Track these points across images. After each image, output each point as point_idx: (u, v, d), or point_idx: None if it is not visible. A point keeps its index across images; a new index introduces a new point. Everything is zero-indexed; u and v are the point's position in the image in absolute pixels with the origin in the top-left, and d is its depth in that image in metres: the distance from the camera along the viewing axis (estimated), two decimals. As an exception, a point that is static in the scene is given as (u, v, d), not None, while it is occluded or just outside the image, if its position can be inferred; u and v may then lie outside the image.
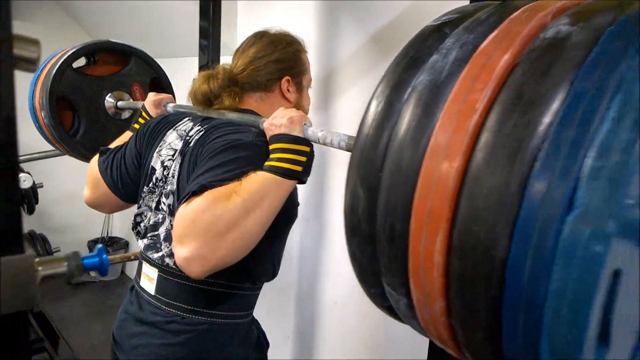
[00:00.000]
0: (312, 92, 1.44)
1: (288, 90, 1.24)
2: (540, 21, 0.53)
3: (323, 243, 1.99)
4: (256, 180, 0.91)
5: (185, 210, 0.86)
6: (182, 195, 0.91)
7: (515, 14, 0.56)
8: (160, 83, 2.03)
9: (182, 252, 0.84)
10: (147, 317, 1.09)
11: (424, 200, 0.53)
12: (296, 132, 0.98)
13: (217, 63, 1.95)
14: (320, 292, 2.03)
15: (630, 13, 0.48)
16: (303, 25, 1.97)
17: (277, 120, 1.00)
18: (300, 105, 1.29)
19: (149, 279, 1.11)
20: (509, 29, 0.54)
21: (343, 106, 1.87)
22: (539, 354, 0.45)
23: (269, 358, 1.20)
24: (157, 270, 1.09)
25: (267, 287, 1.20)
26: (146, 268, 1.13)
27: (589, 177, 0.41)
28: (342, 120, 1.88)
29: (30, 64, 0.46)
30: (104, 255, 0.59)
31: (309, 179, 1.03)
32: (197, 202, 0.85)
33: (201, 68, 1.93)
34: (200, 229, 0.84)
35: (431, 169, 0.52)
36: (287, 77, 1.23)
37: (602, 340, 0.47)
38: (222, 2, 1.94)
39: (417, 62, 0.60)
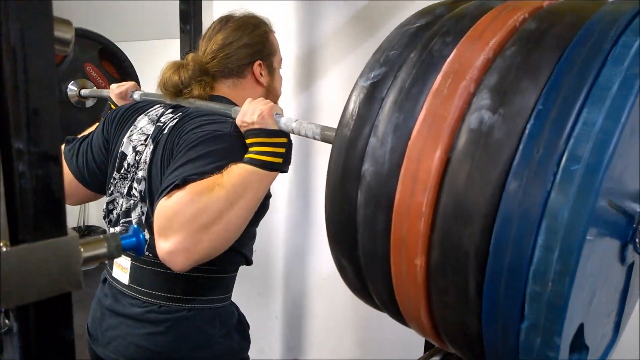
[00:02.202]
0: (293, 72, 1.39)
1: (261, 74, 1.22)
2: (463, 98, 0.52)
3: (308, 221, 1.99)
4: (238, 172, 0.91)
5: (167, 204, 0.85)
6: (162, 187, 0.90)
7: (437, 83, 0.54)
8: (109, 51, 1.94)
9: (166, 245, 0.84)
10: (124, 309, 1.07)
11: (401, 289, 0.59)
12: (269, 126, 0.99)
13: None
14: (308, 269, 2.05)
15: (547, 96, 0.46)
16: (283, 4, 1.82)
17: (248, 117, 0.99)
18: (272, 87, 1.26)
19: (122, 269, 1.09)
20: (435, 111, 0.53)
21: (324, 85, 1.80)
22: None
23: (259, 337, 1.26)
24: (130, 259, 1.07)
25: (254, 268, 1.19)
26: (118, 258, 1.09)
27: (530, 298, 0.46)
28: (324, 100, 1.81)
29: (64, 46, 0.46)
30: (141, 235, 0.58)
31: (293, 161, 1.05)
32: (180, 196, 0.85)
33: (186, 53, 1.85)
34: (184, 222, 0.83)
35: (399, 265, 0.57)
36: (259, 62, 1.20)
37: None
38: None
39: (357, 142, 0.60)
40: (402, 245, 0.56)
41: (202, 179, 0.88)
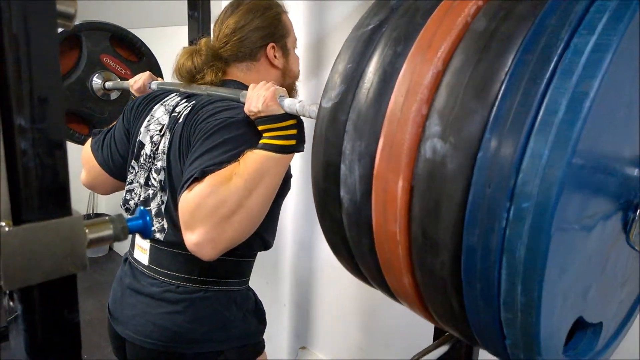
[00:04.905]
0: (302, 60, 1.36)
1: (275, 57, 1.19)
2: (416, 123, 0.49)
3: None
4: (254, 159, 0.93)
5: (189, 197, 0.89)
6: (183, 181, 0.93)
7: (391, 105, 0.51)
8: (120, 36, 1.90)
9: (192, 237, 0.88)
10: (143, 288, 1.09)
11: (402, 298, 0.61)
12: (275, 111, 0.99)
13: (207, 35, 1.83)
14: (315, 257, 2.00)
15: (495, 121, 0.43)
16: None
17: (254, 107, 0.99)
18: (288, 69, 1.23)
19: (142, 250, 1.12)
20: (392, 138, 0.51)
21: (335, 47, 1.73)
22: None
23: (267, 325, 1.21)
24: (149, 241, 1.10)
25: (263, 256, 1.19)
26: (139, 240, 1.14)
27: (505, 323, 0.46)
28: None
29: (67, 20, 0.46)
30: (147, 217, 0.57)
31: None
32: (200, 188, 0.88)
33: (192, 42, 1.83)
34: (207, 214, 0.87)
35: (392, 281, 0.59)
36: (272, 44, 1.18)
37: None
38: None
39: (330, 167, 0.60)
40: (388, 265, 0.57)
41: (220, 168, 0.90)
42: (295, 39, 1.26)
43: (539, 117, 0.40)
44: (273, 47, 1.18)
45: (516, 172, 0.41)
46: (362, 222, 0.57)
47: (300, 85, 1.31)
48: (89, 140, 1.31)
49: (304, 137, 1.04)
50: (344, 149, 0.57)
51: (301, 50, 1.83)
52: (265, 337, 1.20)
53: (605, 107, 0.41)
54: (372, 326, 1.91)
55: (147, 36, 2.06)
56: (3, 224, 0.40)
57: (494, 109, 0.43)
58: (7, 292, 0.47)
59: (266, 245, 1.13)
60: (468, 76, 0.46)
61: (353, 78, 0.58)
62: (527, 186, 0.40)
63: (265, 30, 1.16)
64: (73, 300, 0.46)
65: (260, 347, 1.19)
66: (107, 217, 0.51)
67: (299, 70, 1.31)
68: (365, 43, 0.58)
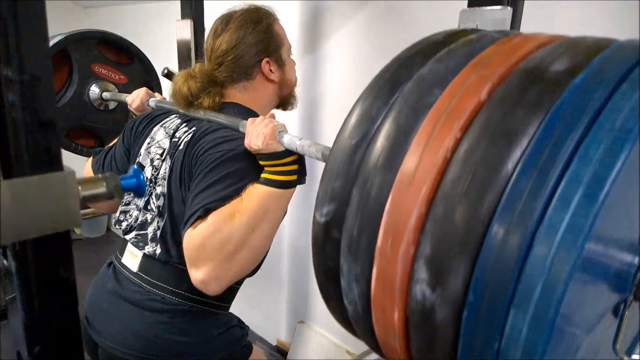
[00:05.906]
0: (297, 37, 1.33)
1: (271, 71, 1.19)
2: (404, 263, 0.51)
3: (315, 192, 1.97)
4: (256, 195, 0.94)
5: (193, 235, 0.91)
6: (186, 218, 0.95)
7: (380, 240, 0.53)
8: (107, 41, 1.88)
9: (198, 275, 0.91)
10: (126, 293, 1.08)
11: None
12: (275, 149, 1.00)
13: (201, 10, 1.79)
14: (313, 284, 2.00)
15: (476, 283, 0.45)
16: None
17: (254, 144, 0.99)
18: (284, 80, 1.22)
19: (133, 256, 1.11)
20: (384, 271, 0.53)
21: (328, 50, 1.73)
22: None
23: (266, 303, 1.24)
24: (142, 250, 1.10)
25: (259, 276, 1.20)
26: (131, 246, 1.12)
27: None
28: (328, 65, 1.75)
29: None
30: (141, 176, 0.56)
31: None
32: (204, 227, 0.90)
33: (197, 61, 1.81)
34: (211, 253, 0.89)
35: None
36: (266, 59, 1.17)
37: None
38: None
39: (330, 279, 0.63)
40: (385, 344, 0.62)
41: (224, 204, 0.93)
42: (290, 47, 1.24)
43: (517, 293, 0.42)
44: (268, 62, 1.18)
45: (499, 338, 0.44)
46: (366, 328, 0.61)
47: (296, 62, 1.29)
48: (90, 159, 1.33)
49: (305, 169, 1.05)
50: (342, 265, 0.60)
51: (296, 28, 1.83)
52: (264, 315, 1.26)
53: (585, 271, 0.43)
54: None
55: (140, 11, 2.02)
56: (-7, 177, 0.39)
57: (475, 268, 0.45)
58: (1, 250, 0.46)
59: (255, 269, 1.12)
60: (449, 228, 0.47)
61: (342, 197, 0.59)
62: (510, 353, 0.43)
63: (258, 47, 1.15)
64: (68, 258, 0.45)
65: (248, 348, 1.21)
66: (100, 175, 0.50)
67: (296, 78, 1.30)
68: (349, 161, 0.59)
